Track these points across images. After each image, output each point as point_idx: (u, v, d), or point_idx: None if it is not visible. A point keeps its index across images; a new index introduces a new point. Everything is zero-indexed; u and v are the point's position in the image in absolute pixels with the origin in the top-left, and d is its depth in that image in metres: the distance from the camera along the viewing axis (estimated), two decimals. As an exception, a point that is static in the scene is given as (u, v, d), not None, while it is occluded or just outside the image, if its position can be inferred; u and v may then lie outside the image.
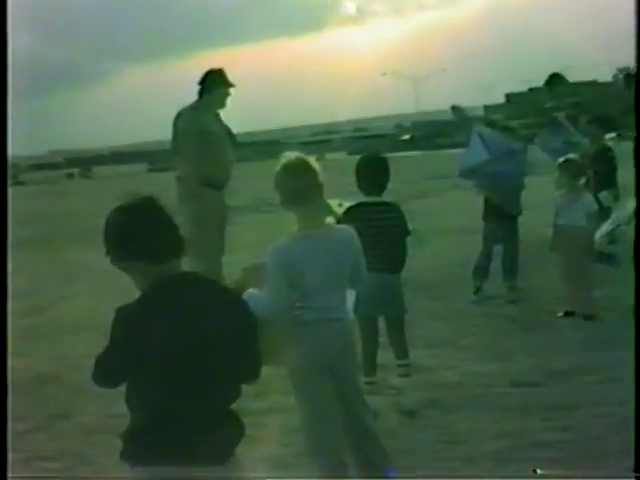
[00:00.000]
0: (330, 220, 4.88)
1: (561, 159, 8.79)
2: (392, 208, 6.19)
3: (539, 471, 4.65)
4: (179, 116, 8.47)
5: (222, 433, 3.21)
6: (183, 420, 3.12)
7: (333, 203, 6.03)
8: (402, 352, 6.43)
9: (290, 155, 4.38)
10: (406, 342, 6.47)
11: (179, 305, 3.18)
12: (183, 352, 3.12)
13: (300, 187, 4.29)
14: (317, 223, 4.37)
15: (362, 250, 4.52)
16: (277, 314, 4.16)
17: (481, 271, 9.61)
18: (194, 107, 8.49)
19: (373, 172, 6.25)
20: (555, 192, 8.77)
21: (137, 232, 3.19)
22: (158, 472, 3.08)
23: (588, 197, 8.67)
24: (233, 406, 3.36)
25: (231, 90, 8.63)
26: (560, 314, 8.51)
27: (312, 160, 4.40)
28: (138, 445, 3.16)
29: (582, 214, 8.41)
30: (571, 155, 8.91)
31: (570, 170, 8.56)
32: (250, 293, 4.28)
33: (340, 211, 5.93)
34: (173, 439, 3.10)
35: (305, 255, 4.24)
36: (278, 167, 4.36)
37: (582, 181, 8.75)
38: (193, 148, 8.28)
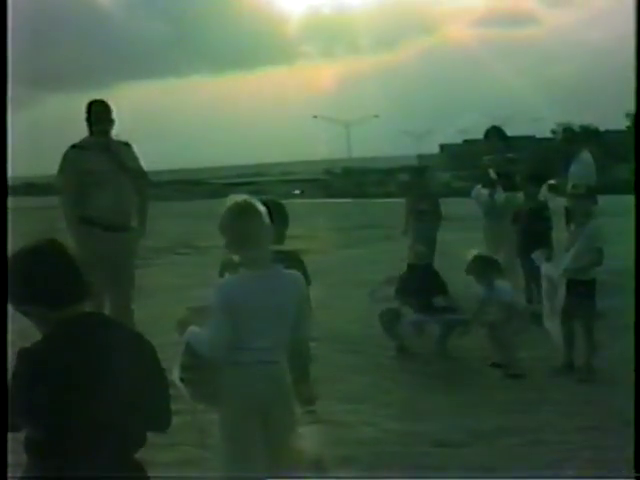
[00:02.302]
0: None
1: (470, 254, 9.16)
2: (291, 257, 6.16)
3: None
4: (64, 154, 8.40)
5: None
6: (83, 469, 3.09)
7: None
8: (308, 399, 6.43)
9: (237, 197, 4.46)
10: (313, 389, 6.48)
11: (81, 346, 3.17)
12: (84, 396, 3.10)
13: (249, 230, 4.37)
14: (264, 265, 4.43)
15: (308, 297, 4.58)
16: (215, 351, 4.30)
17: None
18: (79, 145, 8.40)
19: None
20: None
21: (36, 277, 3.19)
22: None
23: (502, 290, 9.02)
24: (139, 456, 3.35)
25: (111, 125, 8.47)
26: (488, 364, 8.80)
27: (258, 203, 4.46)
28: None
29: (499, 307, 8.87)
30: (477, 251, 9.26)
31: (476, 270, 9.02)
32: (191, 330, 4.37)
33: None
34: None
35: (248, 294, 4.31)
36: (225, 210, 4.41)
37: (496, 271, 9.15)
38: (71, 189, 8.26)
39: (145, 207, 8.69)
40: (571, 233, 8.82)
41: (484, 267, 9.04)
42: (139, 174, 8.62)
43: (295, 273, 4.59)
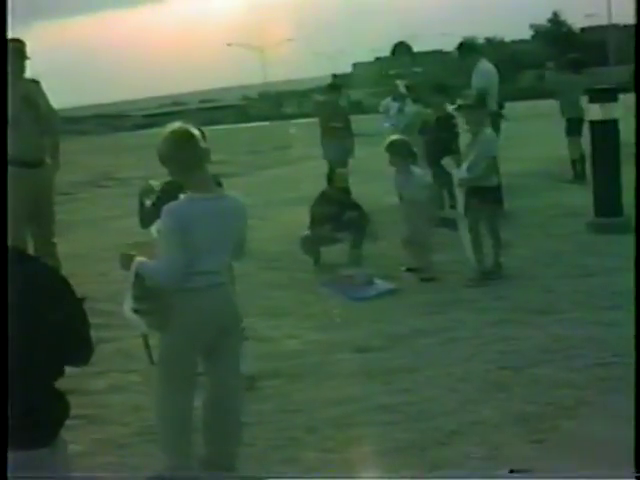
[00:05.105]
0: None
1: (387, 139, 9.24)
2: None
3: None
4: None
5: (46, 414, 3.19)
6: (5, 402, 3.06)
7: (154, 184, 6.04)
8: None
9: (173, 126, 4.40)
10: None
11: None
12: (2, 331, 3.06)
13: (190, 156, 4.33)
14: (208, 188, 4.38)
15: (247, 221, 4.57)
16: (173, 277, 4.22)
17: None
18: None
19: None
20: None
21: None
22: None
23: (418, 173, 9.17)
24: (66, 384, 3.33)
25: (26, 63, 8.21)
26: (403, 269, 8.92)
27: (193, 128, 4.42)
28: None
29: (418, 188, 8.91)
30: (394, 136, 9.29)
31: (395, 151, 9.03)
32: (140, 261, 4.30)
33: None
34: None
35: (197, 216, 4.24)
36: (163, 140, 4.36)
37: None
38: None
39: (57, 142, 8.51)
40: (468, 143, 8.86)
41: (399, 146, 9.05)
42: (48, 111, 8.42)
43: (238, 196, 4.57)
